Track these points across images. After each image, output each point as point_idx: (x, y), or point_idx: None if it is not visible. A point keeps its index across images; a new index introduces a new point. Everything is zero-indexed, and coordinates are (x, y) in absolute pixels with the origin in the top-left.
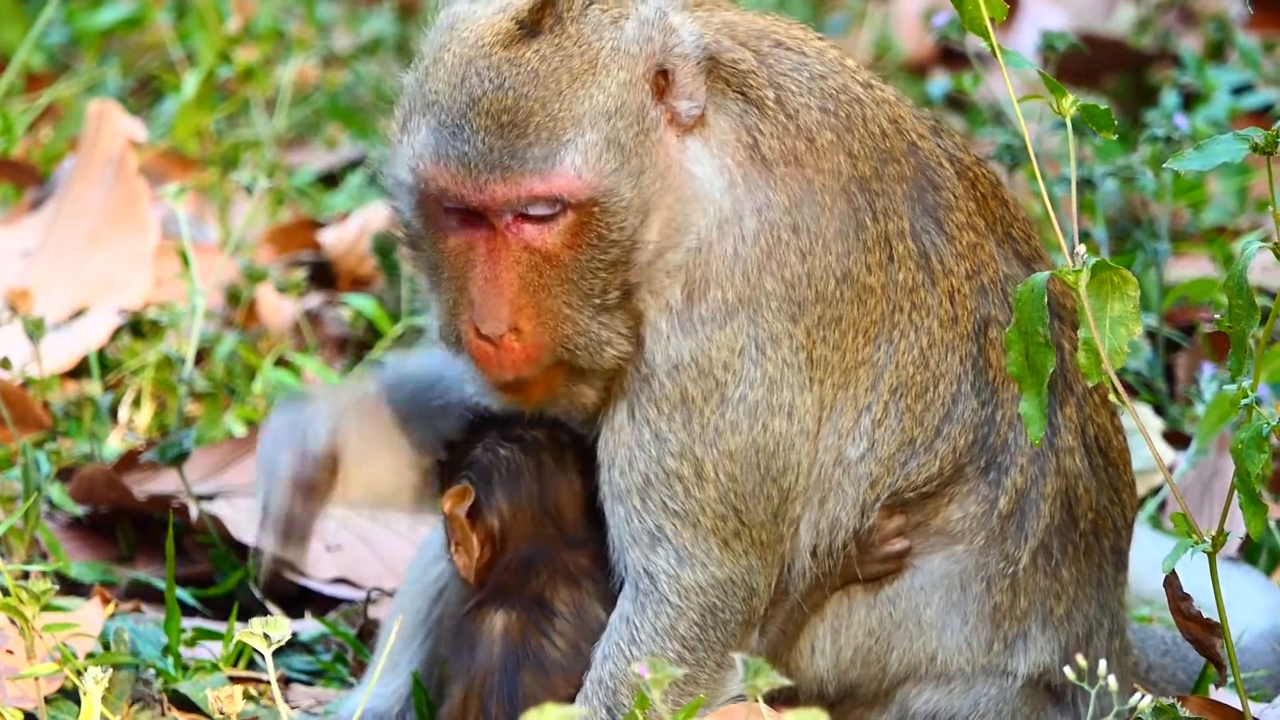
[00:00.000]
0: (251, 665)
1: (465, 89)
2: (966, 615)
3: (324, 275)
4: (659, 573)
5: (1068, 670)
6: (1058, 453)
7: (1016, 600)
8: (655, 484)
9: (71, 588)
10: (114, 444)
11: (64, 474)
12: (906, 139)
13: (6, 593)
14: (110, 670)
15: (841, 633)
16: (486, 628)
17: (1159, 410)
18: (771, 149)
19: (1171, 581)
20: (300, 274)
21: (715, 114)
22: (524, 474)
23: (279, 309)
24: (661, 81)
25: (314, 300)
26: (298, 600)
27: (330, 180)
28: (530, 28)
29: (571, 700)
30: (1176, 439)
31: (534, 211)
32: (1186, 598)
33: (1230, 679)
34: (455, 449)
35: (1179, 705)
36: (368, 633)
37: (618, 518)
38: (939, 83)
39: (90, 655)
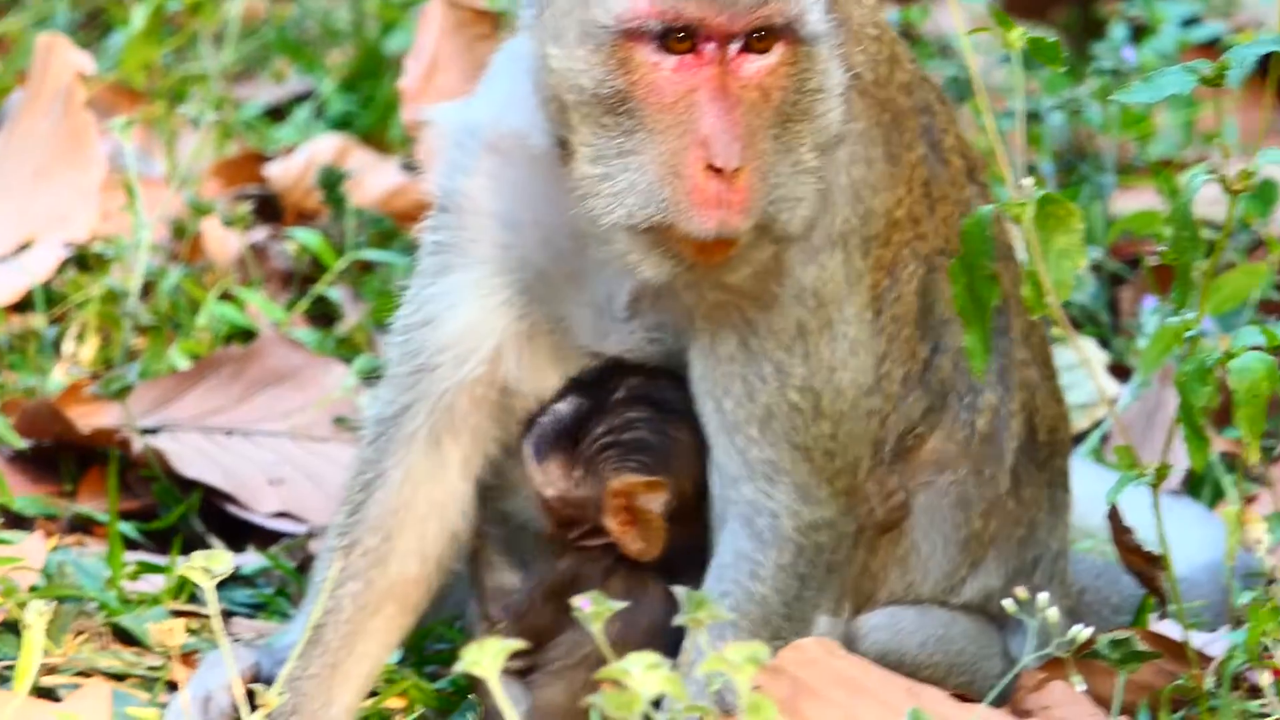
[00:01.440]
0: (193, 599)
1: None
2: (948, 544)
3: (270, 209)
4: (781, 509)
5: (1007, 603)
6: (1018, 365)
7: (988, 526)
8: (778, 416)
9: (14, 521)
10: (58, 378)
11: (8, 407)
12: (913, 68)
13: None
14: (53, 603)
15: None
16: (650, 593)
17: (1103, 343)
18: (855, 74)
19: (1114, 514)
20: (246, 208)
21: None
22: (694, 454)
23: (224, 242)
24: None
25: (259, 234)
26: (240, 534)
27: (277, 114)
28: None
29: None
30: (1120, 372)
31: (755, 42)
32: (1129, 530)
33: (1171, 610)
34: (590, 391)
35: (1135, 638)
36: (309, 566)
37: (732, 449)
38: (888, 15)
39: (33, 588)
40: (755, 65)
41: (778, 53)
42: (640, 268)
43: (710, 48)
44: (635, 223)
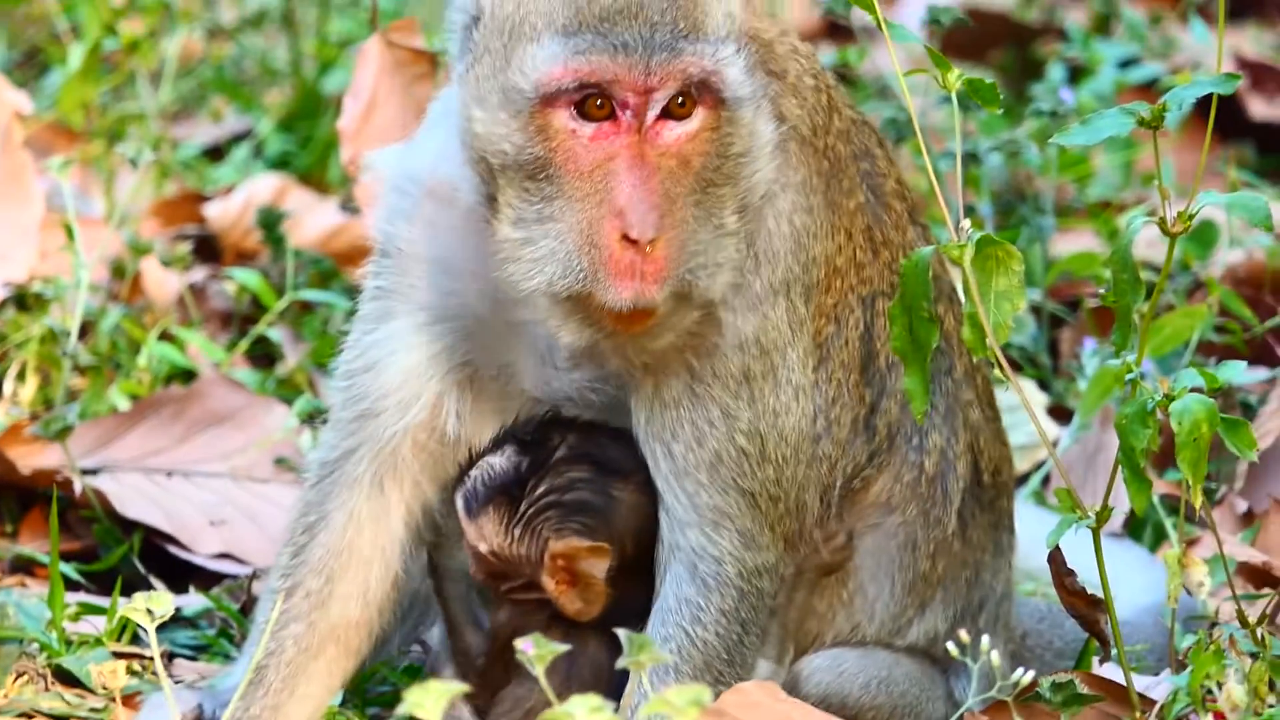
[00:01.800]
0: (136, 640)
1: None
2: (895, 586)
3: (209, 249)
4: (724, 555)
5: (950, 646)
6: (963, 406)
7: (935, 567)
8: (725, 461)
9: None
10: None
11: None
12: (852, 114)
13: None
14: None
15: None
16: (590, 645)
17: (1043, 385)
18: (789, 125)
19: (1056, 557)
20: (185, 247)
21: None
22: (636, 514)
23: (164, 282)
24: None
25: (199, 274)
26: (182, 575)
27: (215, 153)
28: None
29: None
30: (1060, 414)
31: (676, 107)
32: (1070, 573)
33: (1114, 653)
34: (528, 448)
35: (1077, 682)
36: (251, 608)
37: (682, 494)
38: (825, 56)
39: None
40: (675, 132)
41: (698, 118)
42: (560, 334)
43: (628, 115)
44: (554, 291)
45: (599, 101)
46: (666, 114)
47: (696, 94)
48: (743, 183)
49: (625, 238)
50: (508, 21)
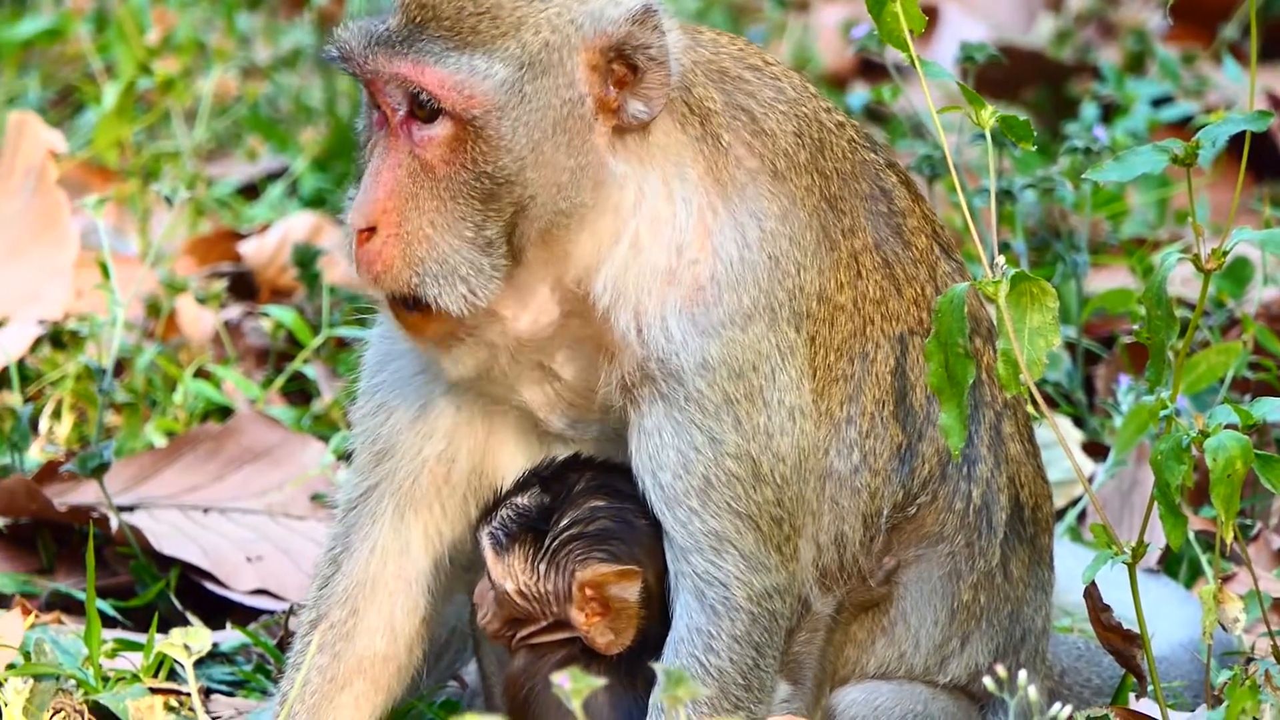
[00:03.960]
0: (172, 676)
1: None
2: (939, 615)
3: (244, 286)
4: (730, 579)
5: (987, 681)
6: (1005, 439)
7: (976, 598)
8: (716, 486)
9: None
10: (34, 455)
11: None
12: (860, 156)
13: None
14: (31, 681)
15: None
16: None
17: (1078, 422)
18: (750, 163)
19: (1092, 592)
20: (220, 285)
21: (683, 126)
22: (656, 542)
23: (199, 320)
24: (621, 70)
25: (234, 311)
26: (218, 611)
27: (250, 191)
28: None
29: None
30: (1095, 450)
31: (420, 104)
32: (1106, 609)
33: (1150, 689)
34: (548, 485)
35: (1112, 716)
36: (287, 643)
37: (675, 522)
38: (858, 94)
39: (11, 666)
40: (421, 134)
41: (444, 125)
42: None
43: (382, 105)
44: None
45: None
46: (415, 114)
47: (432, 101)
48: (503, 202)
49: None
50: None
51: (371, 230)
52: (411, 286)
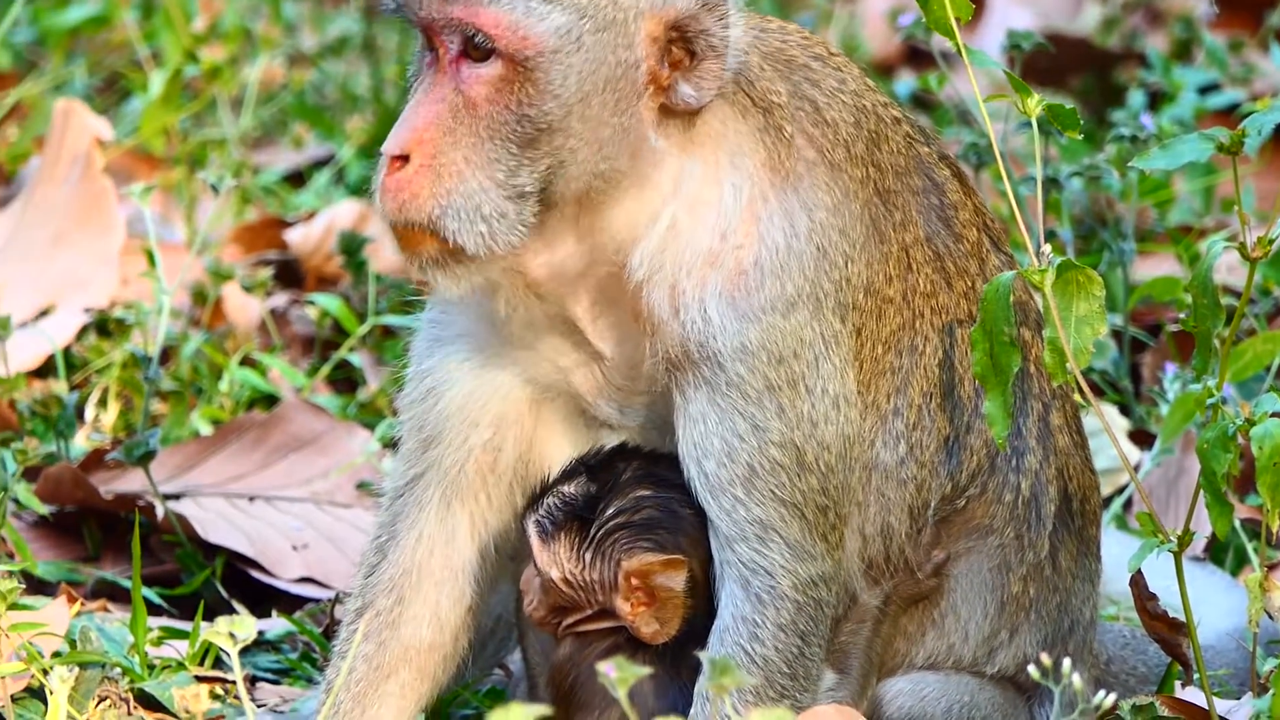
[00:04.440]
0: (218, 664)
1: None
2: (987, 608)
3: (290, 274)
4: (775, 568)
5: (1031, 669)
6: (1053, 430)
7: (1026, 589)
8: (761, 474)
9: (38, 586)
10: (80, 443)
11: (30, 473)
12: (915, 150)
13: None
14: (76, 669)
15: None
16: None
17: (1124, 410)
18: (807, 152)
19: (1138, 581)
20: (266, 273)
21: (743, 112)
22: (702, 531)
23: (245, 308)
24: (679, 52)
25: (280, 299)
26: (264, 599)
27: (296, 179)
28: None
29: None
30: (1141, 438)
31: (472, 49)
32: (1153, 597)
33: (1196, 677)
34: (595, 474)
35: (1158, 705)
36: (333, 631)
37: (720, 510)
38: (905, 82)
39: (56, 654)
40: (470, 72)
41: (495, 66)
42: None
43: (435, 47)
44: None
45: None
46: (468, 54)
47: (487, 41)
48: (540, 150)
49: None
50: None
51: (404, 159)
52: (433, 219)
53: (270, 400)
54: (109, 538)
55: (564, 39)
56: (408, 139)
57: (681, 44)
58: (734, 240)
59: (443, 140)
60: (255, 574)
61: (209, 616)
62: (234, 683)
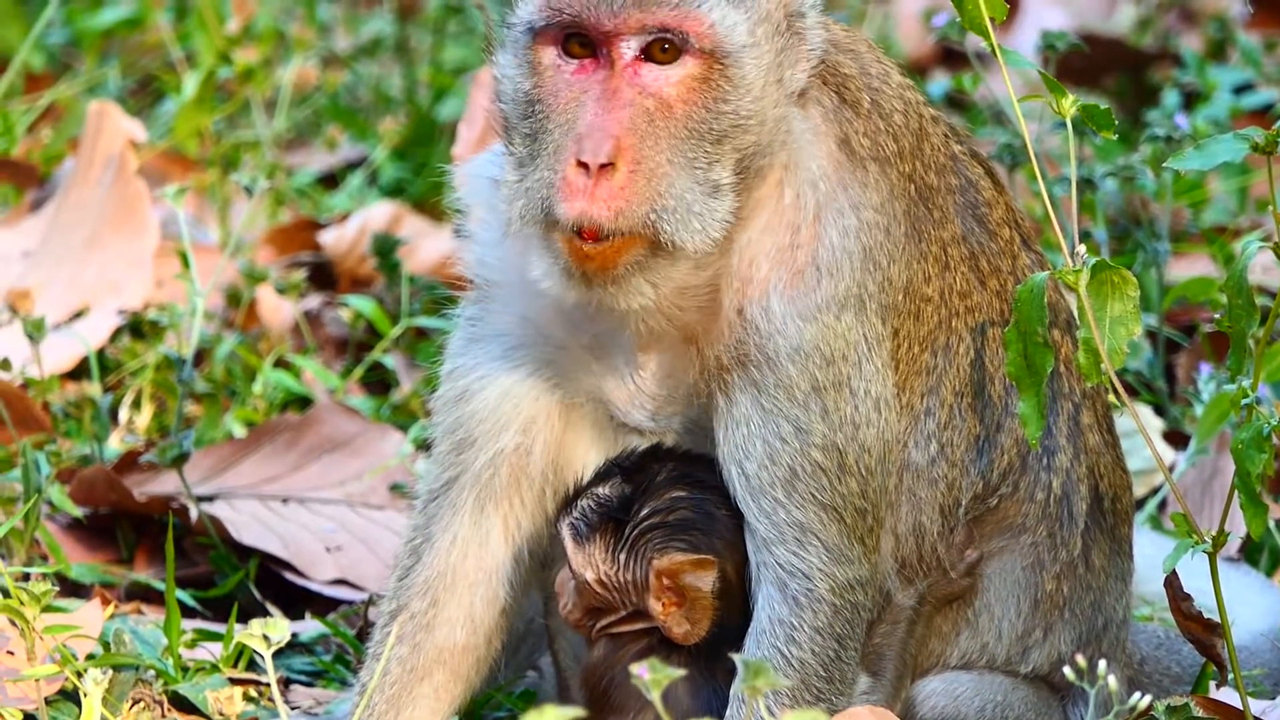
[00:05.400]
0: (251, 666)
1: None
2: (1020, 606)
3: (324, 276)
4: (813, 571)
5: (1067, 670)
6: (1083, 429)
7: (1059, 588)
8: (802, 476)
9: (72, 589)
10: (114, 445)
11: (64, 475)
12: (950, 149)
13: (7, 594)
14: (110, 671)
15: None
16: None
17: (1159, 410)
18: (863, 146)
19: (1172, 581)
20: (300, 275)
21: (814, 103)
22: (735, 533)
23: (279, 310)
24: (791, 37)
25: (314, 301)
26: (298, 601)
27: (330, 181)
28: None
29: None
30: (1176, 439)
31: (658, 51)
32: (1187, 598)
33: (1230, 678)
34: (630, 475)
35: (1192, 705)
36: (367, 633)
37: (760, 512)
38: (939, 82)
39: (90, 656)
40: (654, 75)
41: (685, 66)
42: (544, 283)
43: (605, 54)
44: (526, 220)
45: (581, 40)
46: (650, 57)
47: (679, 42)
48: (728, 145)
49: (579, 162)
50: None
51: (608, 167)
52: (649, 220)
53: (304, 402)
54: (143, 540)
55: (749, 34)
56: (610, 147)
57: (789, 29)
58: (801, 236)
59: (642, 145)
60: (289, 576)
61: (243, 619)
62: (268, 685)
